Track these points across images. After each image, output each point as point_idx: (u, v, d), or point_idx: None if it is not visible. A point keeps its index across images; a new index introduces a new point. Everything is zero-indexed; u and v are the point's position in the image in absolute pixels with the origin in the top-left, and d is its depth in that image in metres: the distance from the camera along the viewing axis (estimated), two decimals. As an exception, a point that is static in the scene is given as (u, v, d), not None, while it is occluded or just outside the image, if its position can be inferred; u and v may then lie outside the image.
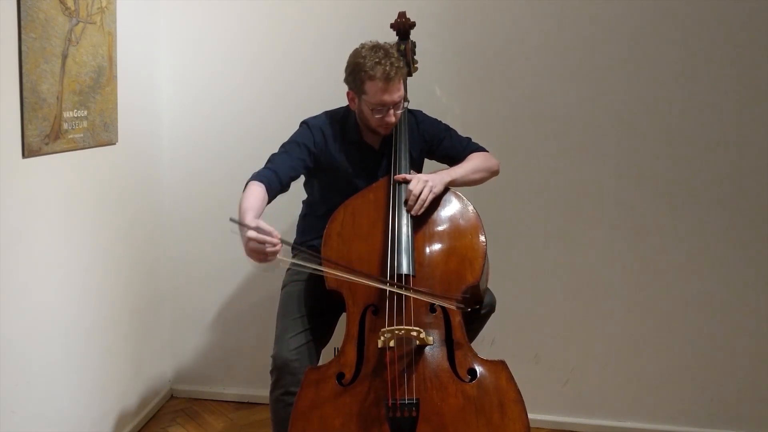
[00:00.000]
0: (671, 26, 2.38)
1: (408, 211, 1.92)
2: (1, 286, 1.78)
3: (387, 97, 1.95)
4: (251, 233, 1.68)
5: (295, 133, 2.09)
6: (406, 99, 2.04)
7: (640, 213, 2.49)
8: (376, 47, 1.97)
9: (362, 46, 2.00)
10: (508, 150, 2.53)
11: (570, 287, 2.57)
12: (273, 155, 2.03)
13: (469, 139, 2.21)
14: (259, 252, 1.69)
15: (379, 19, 2.24)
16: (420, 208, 1.91)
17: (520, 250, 2.57)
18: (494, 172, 2.16)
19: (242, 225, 1.71)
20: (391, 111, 1.98)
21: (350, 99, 2.05)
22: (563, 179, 2.52)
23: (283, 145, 2.06)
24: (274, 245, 1.68)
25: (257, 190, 1.88)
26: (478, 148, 2.18)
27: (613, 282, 2.53)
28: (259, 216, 1.77)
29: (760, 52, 2.34)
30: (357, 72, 1.95)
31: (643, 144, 2.46)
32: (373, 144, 2.12)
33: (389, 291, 1.80)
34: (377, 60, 1.92)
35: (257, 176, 1.93)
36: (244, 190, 1.89)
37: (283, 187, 1.98)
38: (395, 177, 1.98)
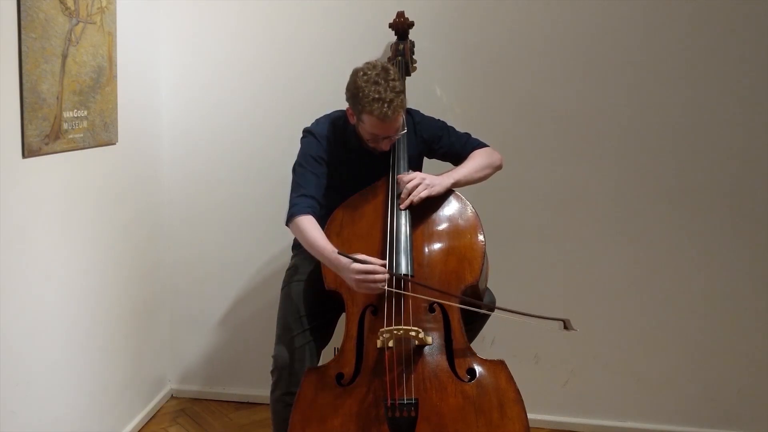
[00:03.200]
0: (673, 27, 2.38)
1: (400, 206, 1.91)
2: (1, 286, 1.78)
3: (381, 132, 1.94)
4: (358, 266, 1.72)
5: (306, 146, 2.06)
6: (403, 127, 2.01)
7: (641, 213, 2.49)
8: (380, 73, 1.89)
9: (366, 69, 1.92)
10: (509, 150, 2.51)
11: (570, 287, 2.56)
12: (298, 177, 2.00)
13: (468, 134, 2.18)
14: (368, 282, 1.73)
15: (378, 18, 2.24)
16: (410, 201, 1.90)
17: (520, 250, 2.57)
18: (498, 167, 2.13)
19: (350, 257, 1.74)
20: (386, 141, 1.98)
21: (349, 114, 2.02)
22: (563, 179, 2.52)
23: (302, 164, 2.02)
24: (381, 273, 1.73)
25: (314, 222, 1.90)
26: (479, 144, 2.16)
27: (614, 282, 2.53)
28: None
29: (762, 54, 2.33)
30: (356, 100, 1.91)
31: (644, 144, 2.45)
32: (372, 151, 2.12)
33: (387, 291, 1.79)
34: (377, 96, 1.85)
35: (301, 209, 1.92)
36: (297, 227, 1.89)
37: (322, 209, 1.99)
38: (397, 177, 1.98)
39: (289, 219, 1.92)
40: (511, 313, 1.77)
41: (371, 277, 1.72)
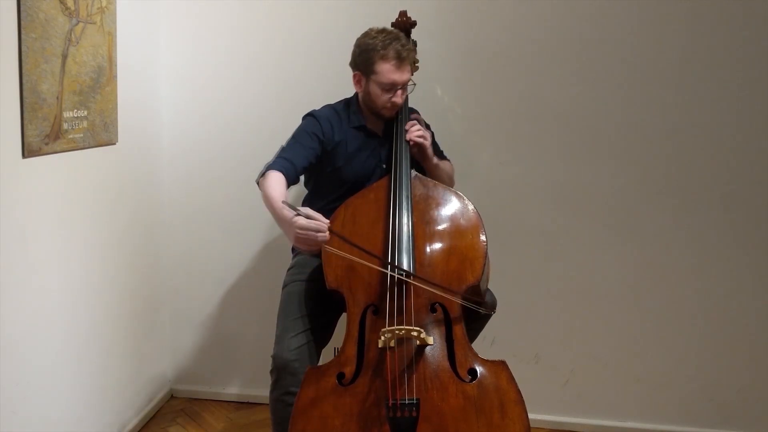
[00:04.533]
0: (672, 26, 2.38)
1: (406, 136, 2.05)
2: (1, 286, 1.78)
3: (398, 77, 2.00)
4: (301, 220, 1.69)
5: (303, 124, 2.12)
6: (412, 82, 2.09)
7: (641, 213, 2.49)
8: (385, 30, 2.04)
9: (371, 29, 2.06)
10: (510, 149, 2.54)
11: (570, 287, 2.56)
12: (286, 144, 2.05)
13: (443, 151, 2.31)
14: (309, 239, 1.71)
15: (379, 17, 2.24)
16: (408, 137, 2.04)
17: (521, 250, 2.57)
18: (451, 186, 2.24)
19: (295, 209, 1.71)
20: (399, 92, 2.03)
21: (356, 81, 2.09)
22: (564, 179, 2.52)
23: (293, 136, 2.08)
24: (324, 232, 1.70)
25: (279, 177, 1.91)
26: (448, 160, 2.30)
27: (614, 282, 2.53)
28: None
29: (761, 53, 2.34)
30: (368, 52, 2.00)
31: (644, 144, 2.46)
32: (376, 130, 2.16)
33: (389, 290, 1.79)
34: (389, 41, 1.98)
35: (273, 165, 1.95)
36: (263, 179, 1.91)
37: (297, 177, 2.02)
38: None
39: (261, 175, 1.95)
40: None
41: (312, 234, 1.69)
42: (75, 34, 2.02)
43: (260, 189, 1.94)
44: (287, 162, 1.98)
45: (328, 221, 1.73)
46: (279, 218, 1.81)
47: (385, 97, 2.03)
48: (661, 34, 2.39)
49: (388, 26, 2.20)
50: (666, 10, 2.37)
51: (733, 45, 2.35)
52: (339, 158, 2.10)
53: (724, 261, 2.45)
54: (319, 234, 1.70)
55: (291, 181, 1.97)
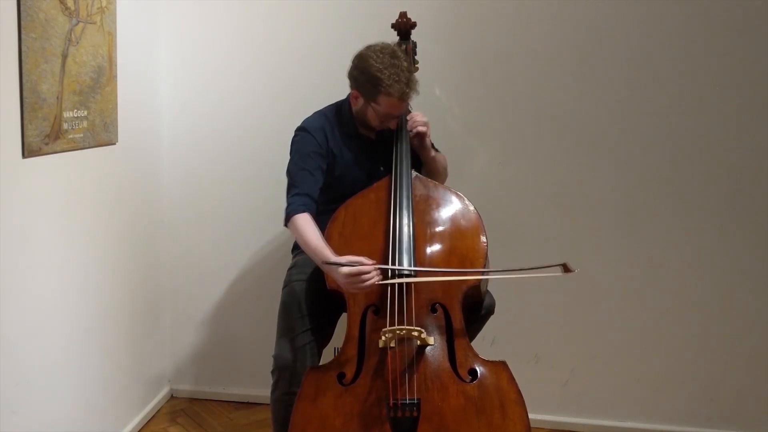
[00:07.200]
0: (672, 26, 2.38)
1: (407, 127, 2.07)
2: (1, 286, 1.78)
3: (397, 111, 2.01)
4: (345, 269, 1.73)
5: (299, 144, 2.07)
6: (409, 107, 2.11)
7: (641, 213, 2.49)
8: (393, 58, 1.96)
9: (377, 54, 1.97)
10: (509, 150, 2.54)
11: (570, 287, 2.56)
12: (292, 177, 2.02)
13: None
14: (357, 283, 1.73)
15: (379, 18, 2.24)
16: (413, 129, 2.07)
17: (520, 250, 2.56)
18: (445, 177, 2.25)
19: (337, 264, 1.75)
20: (395, 119, 2.06)
21: (354, 97, 2.06)
22: (564, 179, 2.52)
23: (295, 162, 2.04)
24: (370, 273, 1.73)
25: (309, 220, 1.92)
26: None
27: (614, 282, 2.53)
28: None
29: (762, 53, 2.34)
30: (374, 84, 1.95)
31: (644, 144, 2.46)
32: (369, 135, 2.15)
33: (389, 291, 1.79)
34: (396, 78, 1.93)
35: (296, 207, 1.94)
36: (294, 227, 1.92)
37: (318, 206, 2.00)
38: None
39: (287, 219, 1.96)
40: (511, 272, 1.84)
41: (359, 278, 1.73)
42: (75, 34, 2.01)
43: (293, 233, 1.95)
44: (305, 197, 1.96)
45: (371, 261, 1.75)
46: (325, 269, 1.85)
47: (381, 123, 2.05)
48: (662, 35, 2.39)
49: (389, 27, 2.21)
50: (666, 11, 2.37)
51: (733, 45, 2.35)
52: (336, 168, 2.09)
53: (724, 261, 2.45)
54: (365, 276, 1.72)
55: (315, 212, 1.97)
